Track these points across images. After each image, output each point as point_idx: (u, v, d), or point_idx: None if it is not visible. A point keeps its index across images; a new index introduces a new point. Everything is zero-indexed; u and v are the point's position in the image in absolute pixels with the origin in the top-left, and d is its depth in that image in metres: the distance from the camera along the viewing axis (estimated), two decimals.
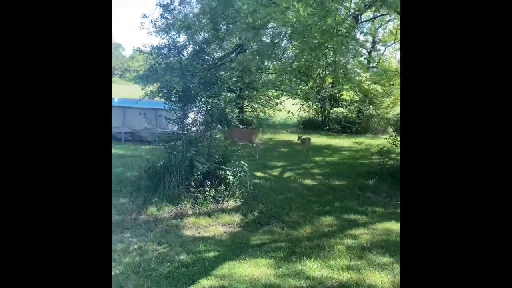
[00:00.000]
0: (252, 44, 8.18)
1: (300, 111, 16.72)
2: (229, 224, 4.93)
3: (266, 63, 10.73)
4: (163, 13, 8.94)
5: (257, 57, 8.76)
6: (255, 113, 15.68)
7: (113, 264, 3.55)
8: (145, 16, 9.04)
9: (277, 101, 15.69)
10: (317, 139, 13.46)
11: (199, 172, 5.64)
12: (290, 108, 15.02)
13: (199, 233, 4.58)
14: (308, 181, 7.42)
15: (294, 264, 3.83)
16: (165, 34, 9.44)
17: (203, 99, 6.51)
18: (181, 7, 9.45)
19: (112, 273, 3.40)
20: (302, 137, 10.86)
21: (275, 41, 8.80)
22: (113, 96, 20.52)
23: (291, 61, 10.47)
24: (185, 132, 6.55)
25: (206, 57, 7.49)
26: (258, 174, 7.63)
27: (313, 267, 3.77)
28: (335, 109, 16.86)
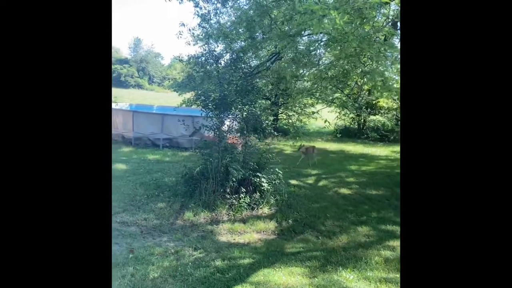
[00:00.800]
0: (288, 52, 8.21)
1: (337, 119, 16.51)
2: (263, 231, 4.94)
3: (301, 71, 10.72)
4: (201, 22, 9.17)
5: (293, 64, 8.78)
6: (289, 121, 15.66)
7: (151, 267, 3.65)
8: (183, 24, 9.31)
9: (313, 109, 15.60)
10: (353, 148, 13.22)
11: (234, 179, 5.70)
12: (326, 116, 14.87)
13: (234, 239, 4.62)
14: (343, 190, 7.29)
15: (329, 274, 3.77)
16: (203, 43, 9.65)
17: (239, 106, 6.59)
18: (218, 17, 9.66)
19: (150, 276, 3.49)
20: (304, 147, 10.12)
21: (311, 49, 8.78)
22: (152, 103, 21.19)
23: (327, 68, 10.40)
24: (221, 139, 6.66)
25: (242, 65, 7.59)
26: (293, 182, 7.59)
27: (349, 278, 3.69)
28: (372, 117, 16.52)
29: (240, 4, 9.64)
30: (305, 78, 12.09)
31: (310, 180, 8.05)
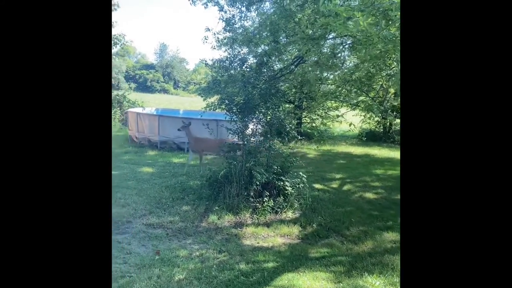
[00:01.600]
0: (311, 55, 8.18)
1: (362, 123, 16.28)
2: (287, 236, 4.92)
3: (325, 74, 10.64)
4: (225, 26, 9.27)
5: (317, 68, 8.73)
6: (313, 124, 15.56)
7: (176, 269, 3.70)
8: (208, 29, 9.44)
9: (337, 112, 15.46)
10: (379, 152, 12.99)
11: (258, 183, 5.71)
12: (350, 120, 14.69)
13: (258, 243, 4.62)
14: (368, 195, 7.17)
15: (355, 279, 3.72)
16: (227, 47, 9.75)
17: (262, 110, 6.62)
18: (242, 21, 9.73)
19: (176, 278, 3.54)
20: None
21: (336, 52, 8.72)
22: (177, 107, 21.51)
23: (351, 71, 10.29)
24: (245, 142, 6.70)
25: (266, 69, 7.61)
26: (317, 186, 7.54)
27: (375, 284, 3.62)
28: (398, 120, 16.19)
29: (264, 8, 9.67)
30: (329, 81, 12.01)
31: (335, 184, 7.96)
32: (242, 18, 9.66)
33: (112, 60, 20.19)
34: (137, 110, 12.91)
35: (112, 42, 15.68)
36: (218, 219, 5.23)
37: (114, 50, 17.28)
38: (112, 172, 7.57)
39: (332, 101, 14.61)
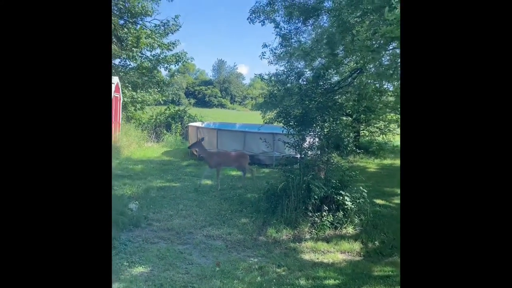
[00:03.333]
0: (370, 66, 7.98)
1: None
2: (348, 252, 4.76)
3: (385, 85, 10.31)
4: (282, 41, 9.37)
5: (376, 79, 8.49)
6: (372, 137, 15.07)
7: (237, 281, 3.72)
8: (265, 45, 9.61)
9: (397, 125, 14.84)
10: None
11: (316, 197, 5.61)
12: None
13: (317, 258, 4.52)
14: None
15: None
16: (284, 62, 9.84)
17: (320, 123, 6.55)
18: (299, 35, 9.80)
19: None
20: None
21: (397, 62, 8.42)
22: (234, 121, 22.01)
23: None
24: (303, 156, 6.65)
25: (324, 82, 7.55)
26: (378, 201, 7.25)
27: None
28: None
29: (321, 22, 9.66)
30: (388, 93, 11.61)
31: (397, 200, 7.59)
32: (299, 33, 9.73)
33: (174, 77, 21.23)
34: (196, 124, 13.39)
35: (174, 59, 16.49)
36: (276, 232, 5.21)
37: (175, 67, 18.15)
38: (175, 184, 7.89)
39: (392, 114, 14.09)
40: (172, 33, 16.48)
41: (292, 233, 5.25)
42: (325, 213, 5.57)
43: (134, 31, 15.64)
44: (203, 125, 13.90)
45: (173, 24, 15.91)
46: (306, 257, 4.55)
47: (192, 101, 62.39)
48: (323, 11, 8.76)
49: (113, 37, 13.74)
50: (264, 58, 9.68)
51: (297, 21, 9.01)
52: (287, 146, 6.99)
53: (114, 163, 9.82)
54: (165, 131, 16.13)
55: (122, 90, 14.04)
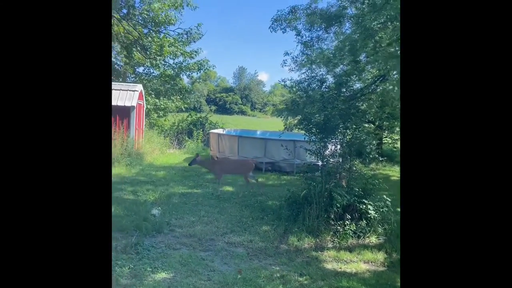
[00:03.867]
0: (394, 72, 7.88)
1: None
2: (372, 262, 4.67)
3: None
4: (303, 49, 9.36)
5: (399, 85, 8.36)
6: (395, 145, 14.81)
7: None
8: (287, 53, 9.62)
9: None
10: None
11: (338, 205, 5.55)
12: None
13: (340, 268, 4.45)
14: None
15: None
16: (305, 69, 9.83)
17: (342, 130, 6.48)
18: (321, 43, 9.78)
19: None
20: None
21: None
22: (254, 128, 22.05)
23: None
24: (324, 163, 6.59)
25: (346, 89, 7.49)
26: None
27: None
28: None
29: (343, 29, 9.62)
30: None
31: None
32: (320, 40, 9.72)
33: (196, 84, 21.53)
34: (218, 131, 13.50)
35: (197, 67, 16.72)
36: (298, 240, 5.16)
37: (197, 75, 18.40)
38: (196, 190, 7.95)
39: None
40: (195, 42, 16.76)
41: (314, 241, 5.19)
42: (347, 222, 5.49)
43: (158, 39, 15.98)
44: (224, 132, 14.00)
45: (195, 32, 16.17)
46: (329, 266, 4.49)
47: (213, 108, 63.04)
48: (345, 18, 8.72)
49: (137, 45, 14.06)
50: (285, 65, 9.70)
51: (318, 29, 9.01)
52: (308, 153, 6.95)
53: (137, 169, 9.99)
54: (186, 138, 16.32)
55: (145, 97, 14.32)
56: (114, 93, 11.52)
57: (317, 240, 5.22)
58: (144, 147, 12.08)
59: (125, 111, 11.40)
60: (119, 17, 7.29)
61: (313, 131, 6.56)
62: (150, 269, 3.95)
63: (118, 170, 9.79)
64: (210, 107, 62.73)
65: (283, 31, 9.20)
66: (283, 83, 8.61)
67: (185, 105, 18.51)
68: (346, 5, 8.58)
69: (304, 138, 7.02)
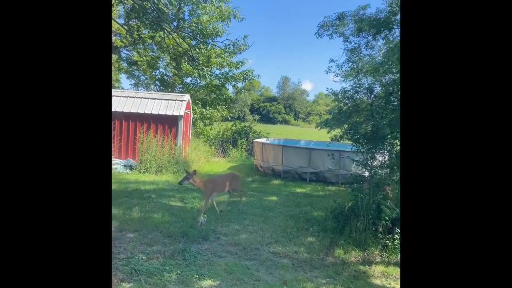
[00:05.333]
0: None
1: None
2: None
3: None
4: (350, 56, 9.21)
5: None
6: None
7: None
8: (332, 60, 9.52)
9: None
10: None
11: (387, 218, 5.34)
12: None
13: (389, 284, 4.27)
14: None
15: None
16: (352, 77, 9.66)
17: (391, 141, 6.27)
18: (369, 50, 9.58)
19: None
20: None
21: None
22: (298, 138, 21.91)
23: None
24: (372, 174, 6.40)
25: (395, 98, 7.26)
26: None
27: None
28: None
29: (393, 35, 9.37)
30: None
31: None
32: (368, 47, 9.52)
33: (240, 94, 21.84)
34: (262, 141, 13.57)
35: (242, 77, 16.99)
36: (344, 253, 5.03)
37: (242, 84, 18.68)
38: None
39: None
40: (240, 53, 17.06)
41: (361, 255, 5.03)
42: (397, 236, 5.27)
43: (205, 51, 16.44)
44: (268, 141, 14.04)
45: (242, 44, 16.46)
46: (377, 281, 4.32)
47: (257, 117, 63.56)
48: (395, 24, 8.48)
49: (186, 57, 14.54)
50: (330, 72, 9.59)
51: (366, 35, 8.83)
52: (355, 164, 6.79)
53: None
54: (231, 147, 16.56)
55: (192, 107, 14.74)
56: (163, 103, 11.96)
57: (365, 254, 5.05)
58: (190, 155, 12.40)
59: (173, 120, 11.78)
60: (169, 29, 7.59)
61: (360, 141, 6.40)
62: (197, 276, 4.01)
63: (166, 177, 10.10)
64: (253, 116, 63.33)
65: (329, 37, 9.12)
66: (330, 91, 8.49)
67: (230, 114, 18.85)
68: (396, 10, 8.36)
69: (351, 149, 6.87)
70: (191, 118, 14.55)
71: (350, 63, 9.47)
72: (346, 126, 7.50)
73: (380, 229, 5.37)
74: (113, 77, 18.71)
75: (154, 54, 17.72)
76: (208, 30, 16.36)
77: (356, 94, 8.41)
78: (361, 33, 8.64)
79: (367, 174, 7.16)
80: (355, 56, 8.94)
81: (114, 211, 6.41)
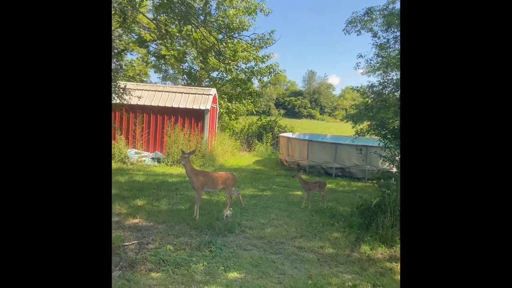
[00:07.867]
0: None
1: None
2: None
3: None
4: (379, 51, 9.03)
5: None
6: None
7: None
8: (360, 56, 9.36)
9: None
10: None
11: None
12: None
13: None
14: None
15: None
16: (380, 72, 9.47)
17: None
18: (397, 45, 9.35)
19: None
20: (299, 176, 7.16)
21: None
22: (324, 132, 21.71)
23: None
24: (400, 170, 6.29)
25: None
26: None
27: None
28: None
29: None
30: None
31: None
32: (397, 42, 9.29)
33: (266, 89, 21.84)
34: (287, 135, 13.54)
35: (268, 71, 16.96)
36: (371, 250, 4.98)
37: (267, 79, 18.67)
38: (266, 193, 8.04)
39: None
40: (267, 47, 17.03)
41: (388, 252, 4.97)
42: None
43: (232, 45, 16.51)
44: (293, 136, 14.00)
45: (268, 38, 16.41)
46: None
47: (282, 111, 63.36)
48: None
49: (212, 51, 14.66)
50: (359, 68, 9.44)
51: (395, 30, 8.62)
52: (383, 159, 6.69)
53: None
54: (256, 141, 16.61)
55: (218, 101, 14.86)
56: (190, 97, 12.13)
57: (391, 251, 4.99)
58: (216, 149, 12.54)
59: (200, 114, 11.93)
60: (197, 23, 7.67)
61: (388, 136, 6.29)
62: (223, 268, 4.09)
63: None
64: (279, 110, 63.17)
65: (357, 34, 8.97)
66: (358, 87, 8.38)
67: (256, 109, 18.87)
68: None
69: (379, 144, 6.76)
70: (217, 112, 14.68)
71: (379, 58, 9.28)
72: (373, 121, 7.39)
73: None
74: (142, 71, 19.08)
75: (182, 48, 17.94)
76: (234, 24, 16.39)
77: (384, 90, 8.24)
78: (390, 28, 8.44)
79: (394, 170, 7.04)
80: (383, 51, 8.76)
81: (143, 202, 6.59)
